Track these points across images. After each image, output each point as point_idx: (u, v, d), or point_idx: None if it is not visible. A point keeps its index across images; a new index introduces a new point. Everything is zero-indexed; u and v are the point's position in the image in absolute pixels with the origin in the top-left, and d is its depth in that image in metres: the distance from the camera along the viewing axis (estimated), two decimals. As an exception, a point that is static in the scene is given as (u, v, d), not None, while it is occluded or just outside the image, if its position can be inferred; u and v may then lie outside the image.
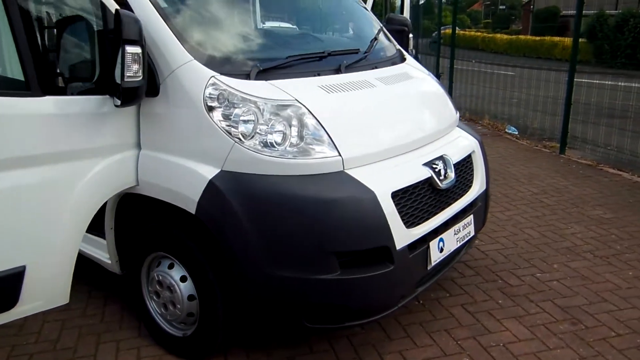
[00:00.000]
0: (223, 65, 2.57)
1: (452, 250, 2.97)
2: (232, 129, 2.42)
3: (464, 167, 3.17)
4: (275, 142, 2.43)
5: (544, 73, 11.79)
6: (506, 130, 8.59)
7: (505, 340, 2.97)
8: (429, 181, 2.78)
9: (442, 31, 12.04)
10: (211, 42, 2.69)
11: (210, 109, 2.43)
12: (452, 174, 2.93)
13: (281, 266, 2.40)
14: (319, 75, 2.84)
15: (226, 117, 2.43)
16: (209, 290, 2.61)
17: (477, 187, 3.28)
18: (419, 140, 2.94)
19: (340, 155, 2.49)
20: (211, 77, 2.46)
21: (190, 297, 2.72)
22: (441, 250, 2.86)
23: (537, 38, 27.85)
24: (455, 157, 3.06)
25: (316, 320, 2.54)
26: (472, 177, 3.28)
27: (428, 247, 2.75)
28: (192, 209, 2.48)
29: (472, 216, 3.18)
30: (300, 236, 2.37)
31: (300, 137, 2.47)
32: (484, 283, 3.61)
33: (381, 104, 2.89)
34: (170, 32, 2.53)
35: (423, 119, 3.09)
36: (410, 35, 4.30)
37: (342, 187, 2.43)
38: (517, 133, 8.42)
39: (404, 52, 3.82)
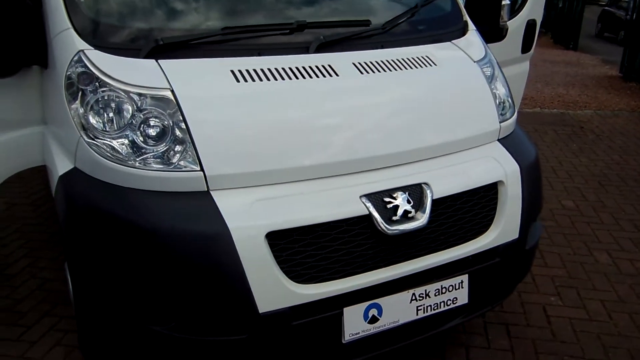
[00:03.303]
0: (109, 36, 2.05)
1: (401, 322, 2.06)
2: (83, 120, 1.93)
3: (468, 203, 2.16)
4: (130, 144, 1.88)
5: None
6: None
7: None
8: (366, 221, 1.93)
9: None
10: (109, 5, 2.17)
11: (70, 90, 1.97)
12: (422, 215, 2.00)
13: (108, 305, 1.92)
14: (259, 54, 2.14)
15: (83, 104, 1.95)
16: (78, 301, 2.24)
17: (496, 234, 2.22)
18: (376, 158, 2.05)
19: (202, 170, 1.82)
20: (78, 52, 1.98)
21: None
22: (373, 320, 2.00)
23: None
24: (446, 187, 2.09)
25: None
26: (487, 219, 2.23)
27: (341, 313, 1.94)
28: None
29: (465, 277, 2.18)
30: (122, 272, 1.84)
31: (157, 140, 1.87)
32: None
33: (321, 102, 2.06)
34: None
35: (400, 126, 2.13)
36: (505, 1, 3.13)
37: (184, 216, 1.78)
38: None
39: (469, 26, 2.76)
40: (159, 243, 1.75)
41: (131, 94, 1.90)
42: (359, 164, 2.02)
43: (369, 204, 1.93)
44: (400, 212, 1.97)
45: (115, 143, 1.88)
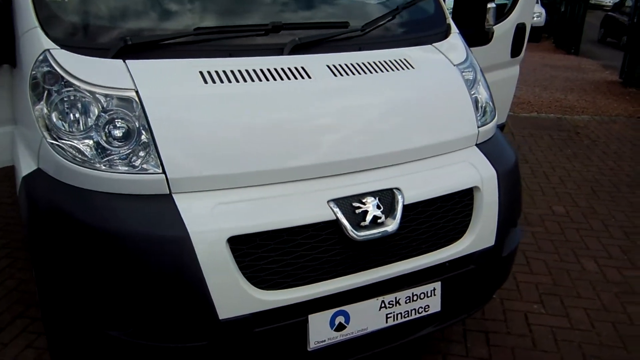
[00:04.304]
0: (76, 35, 2.01)
1: (370, 330, 2.02)
2: (47, 120, 1.89)
3: (442, 209, 2.12)
4: (94, 146, 1.84)
5: None
6: None
7: None
8: (333, 226, 1.89)
9: None
10: (77, 4, 2.13)
11: (36, 91, 1.94)
12: (393, 221, 1.96)
13: (69, 308, 1.88)
14: (230, 55, 2.10)
15: (48, 104, 1.91)
16: (42, 304, 2.20)
17: (470, 240, 2.18)
18: (346, 162, 2.00)
19: (164, 172, 1.78)
20: (44, 52, 1.95)
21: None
22: (339, 327, 1.96)
23: None
24: (418, 193, 2.05)
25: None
26: (461, 225, 2.18)
27: (306, 320, 1.90)
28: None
29: (438, 284, 2.13)
30: (81, 275, 1.80)
31: (121, 142, 1.83)
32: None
33: (290, 105, 2.01)
34: None
35: (372, 130, 2.09)
36: (491, 5, 3.09)
37: (144, 219, 1.74)
38: None
39: (452, 29, 2.72)
40: (117, 246, 1.71)
41: (97, 95, 1.86)
42: (328, 168, 1.98)
43: (336, 209, 1.89)
44: (369, 217, 1.93)
45: (79, 144, 1.84)
